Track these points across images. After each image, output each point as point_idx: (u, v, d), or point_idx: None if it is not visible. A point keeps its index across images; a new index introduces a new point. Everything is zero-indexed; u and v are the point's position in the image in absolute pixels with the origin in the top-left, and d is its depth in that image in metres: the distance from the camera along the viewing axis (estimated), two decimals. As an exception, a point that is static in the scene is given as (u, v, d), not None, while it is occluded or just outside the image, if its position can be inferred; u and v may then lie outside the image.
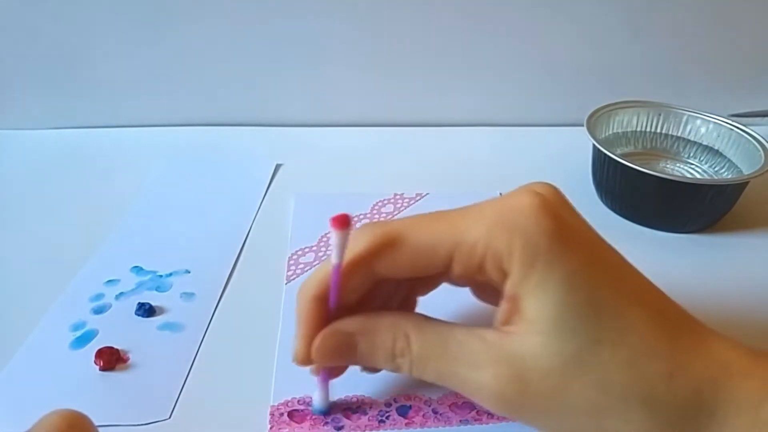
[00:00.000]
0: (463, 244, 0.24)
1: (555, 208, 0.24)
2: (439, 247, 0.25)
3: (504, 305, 0.24)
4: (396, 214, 0.45)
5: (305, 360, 0.27)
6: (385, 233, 0.25)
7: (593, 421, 0.22)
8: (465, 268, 0.25)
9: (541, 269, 0.23)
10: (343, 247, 0.25)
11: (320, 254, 0.41)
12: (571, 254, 0.23)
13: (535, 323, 0.23)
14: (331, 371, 0.29)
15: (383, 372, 0.32)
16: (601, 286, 0.23)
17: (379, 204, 0.46)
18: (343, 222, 0.24)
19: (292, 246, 0.41)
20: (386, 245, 0.25)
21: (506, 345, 0.23)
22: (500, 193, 0.47)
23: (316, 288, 0.26)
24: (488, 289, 0.27)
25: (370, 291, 0.27)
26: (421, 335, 0.25)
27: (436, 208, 0.44)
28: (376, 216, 0.45)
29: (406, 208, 0.46)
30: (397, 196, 0.47)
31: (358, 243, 0.25)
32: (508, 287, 0.24)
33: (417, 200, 0.47)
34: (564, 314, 0.22)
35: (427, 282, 0.29)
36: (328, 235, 0.42)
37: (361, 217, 0.44)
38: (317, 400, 0.29)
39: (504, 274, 0.24)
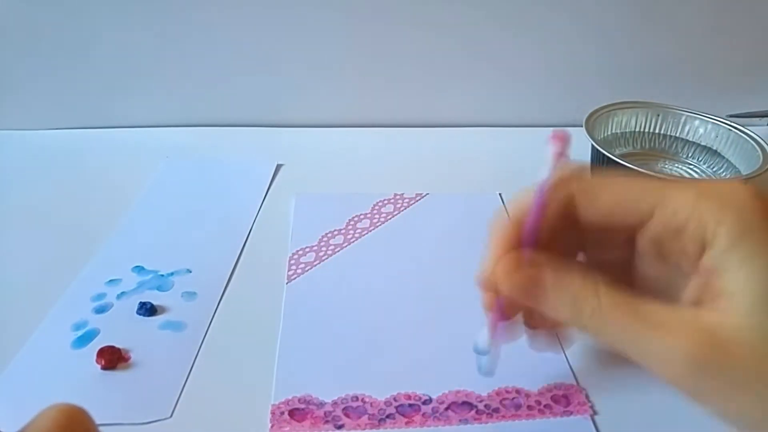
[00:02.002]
0: (670, 202, 0.24)
1: (765, 197, 0.24)
2: (644, 197, 0.24)
3: (695, 281, 0.24)
4: (396, 214, 0.45)
5: (491, 282, 0.26)
6: (590, 176, 0.25)
7: None
8: (663, 228, 0.24)
9: (751, 244, 0.22)
10: (557, 161, 0.24)
11: (321, 254, 0.41)
12: None
13: (737, 297, 0.22)
14: (503, 309, 0.27)
15: (383, 371, 0.32)
16: None
17: (380, 204, 0.46)
18: (562, 136, 0.24)
19: (293, 246, 0.41)
20: (592, 180, 0.25)
21: (705, 317, 0.22)
22: (500, 194, 0.48)
23: (514, 212, 0.26)
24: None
25: (555, 241, 0.26)
26: (611, 289, 0.24)
27: (437, 209, 0.46)
28: (377, 216, 0.45)
29: (406, 208, 0.46)
30: (397, 196, 0.47)
31: (565, 171, 0.26)
32: (708, 259, 0.23)
33: (417, 200, 0.47)
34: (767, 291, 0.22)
35: (608, 244, 0.27)
36: (328, 235, 0.42)
37: (361, 216, 0.45)
38: (481, 340, 0.27)
39: (702, 246, 0.23)
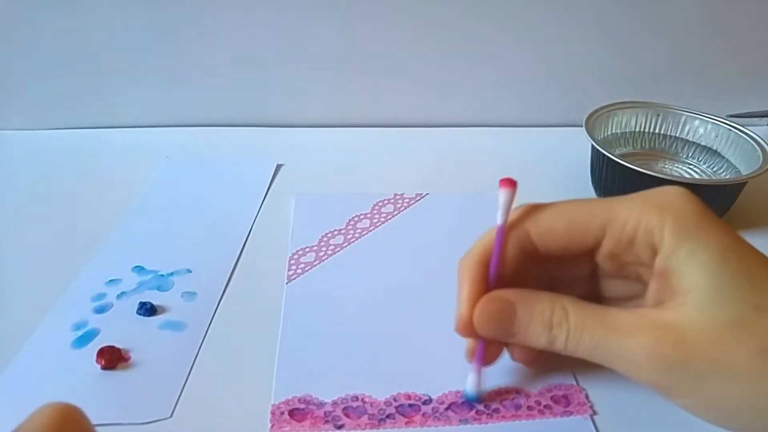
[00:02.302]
0: (617, 219, 0.26)
1: (697, 198, 0.26)
2: (594, 218, 0.26)
3: (653, 285, 0.26)
4: (396, 215, 0.45)
5: (468, 324, 0.27)
6: (542, 204, 0.28)
7: (755, 387, 0.23)
8: (616, 242, 0.26)
9: (693, 240, 0.24)
10: (508, 207, 0.27)
11: (321, 254, 0.41)
12: (718, 230, 0.25)
13: (689, 292, 0.24)
14: (486, 354, 0.29)
15: (383, 371, 0.32)
16: (750, 258, 0.24)
17: (380, 204, 0.46)
18: (510, 182, 0.27)
19: (292, 246, 0.41)
20: (543, 210, 0.28)
21: (663, 315, 0.24)
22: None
23: (479, 254, 0.28)
24: None
25: (520, 273, 0.28)
26: (578, 307, 0.26)
27: (437, 209, 0.46)
28: (377, 216, 0.45)
29: (406, 208, 0.46)
30: (397, 196, 0.47)
31: (517, 211, 0.28)
32: (659, 262, 0.25)
33: (417, 200, 0.47)
34: (719, 282, 0.23)
35: (570, 266, 0.30)
36: (328, 235, 0.42)
37: (361, 216, 0.45)
38: (470, 387, 0.29)
39: (653, 250, 0.25)
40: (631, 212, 0.26)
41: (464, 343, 0.29)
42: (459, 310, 0.28)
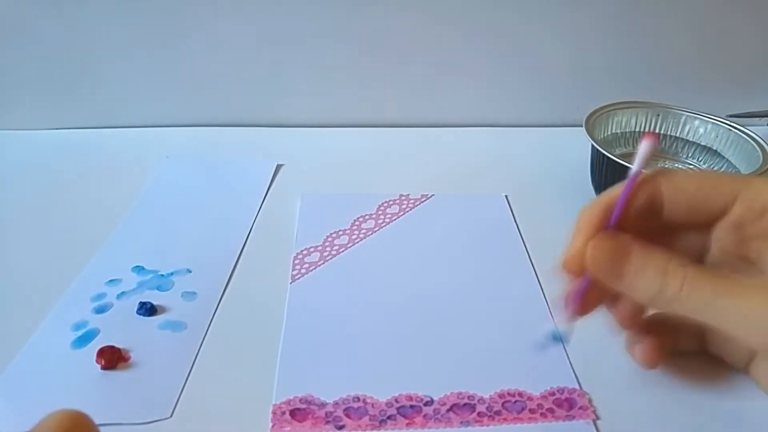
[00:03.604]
0: (752, 187, 0.26)
1: None
2: (728, 183, 0.27)
3: None
4: (401, 215, 0.45)
5: (576, 260, 0.27)
6: (677, 170, 0.28)
7: None
8: (747, 209, 0.26)
9: None
10: (646, 158, 0.27)
11: (325, 254, 0.41)
12: None
13: None
14: (583, 300, 0.28)
15: (385, 371, 0.32)
16: None
17: (385, 204, 0.46)
18: (654, 135, 0.27)
19: (297, 245, 0.41)
20: (678, 171, 0.28)
21: None
22: (506, 196, 0.48)
23: (604, 201, 0.27)
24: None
25: (637, 231, 0.27)
26: (696, 264, 0.25)
27: (442, 210, 0.46)
28: (382, 216, 0.45)
29: (411, 208, 0.46)
30: (403, 197, 0.47)
31: (653, 170, 0.28)
32: None
33: (423, 201, 0.47)
34: None
35: (685, 239, 0.29)
36: (333, 235, 0.42)
37: (367, 217, 0.45)
38: (560, 325, 0.29)
39: None
40: (766, 185, 0.26)
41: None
42: (571, 244, 0.27)
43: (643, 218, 0.28)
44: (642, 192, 0.27)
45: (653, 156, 0.28)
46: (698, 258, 0.29)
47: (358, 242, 0.42)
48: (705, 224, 0.28)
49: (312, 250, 0.41)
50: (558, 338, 0.30)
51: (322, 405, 0.30)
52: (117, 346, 0.33)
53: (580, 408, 0.30)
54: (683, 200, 0.27)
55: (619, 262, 0.26)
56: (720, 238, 0.28)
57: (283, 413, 0.29)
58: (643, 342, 0.30)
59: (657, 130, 0.51)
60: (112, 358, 0.32)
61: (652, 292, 0.26)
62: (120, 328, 0.34)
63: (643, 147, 0.27)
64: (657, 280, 0.25)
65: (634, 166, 0.27)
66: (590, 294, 0.28)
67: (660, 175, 0.28)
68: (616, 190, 0.28)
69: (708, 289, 0.24)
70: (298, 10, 0.53)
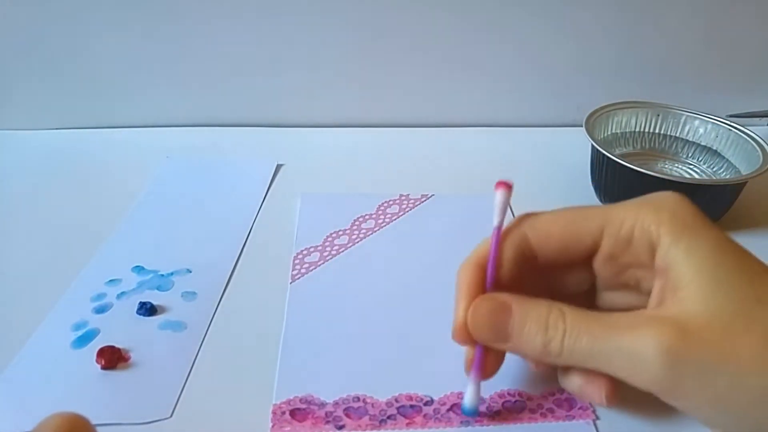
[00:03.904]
0: (614, 219, 0.26)
1: (690, 202, 0.27)
2: (591, 220, 0.27)
3: (656, 285, 0.25)
4: (401, 215, 0.45)
5: (463, 329, 0.27)
6: (540, 211, 0.28)
7: (762, 377, 0.22)
8: (614, 242, 0.26)
9: (689, 236, 0.24)
10: (504, 208, 0.27)
11: (325, 254, 0.41)
12: (713, 229, 0.25)
13: (690, 285, 0.24)
14: (485, 365, 0.28)
15: (385, 371, 0.32)
16: (744, 255, 0.25)
17: (385, 204, 0.46)
18: (505, 184, 0.27)
19: (297, 245, 0.41)
20: (541, 215, 0.28)
21: (665, 311, 0.24)
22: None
23: (476, 259, 0.28)
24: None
25: (518, 282, 0.28)
26: (575, 310, 0.25)
27: (442, 210, 0.46)
28: (382, 216, 0.45)
29: (411, 208, 0.46)
30: (403, 197, 0.47)
31: (516, 218, 0.28)
32: (658, 259, 0.25)
33: (423, 201, 0.47)
34: (719, 275, 0.23)
35: (568, 276, 0.29)
36: (333, 235, 0.42)
37: (367, 217, 0.45)
38: (468, 400, 0.28)
39: (651, 248, 0.25)
40: (627, 212, 0.26)
41: (464, 348, 0.29)
42: (455, 314, 0.27)
43: (521, 267, 0.28)
44: (510, 246, 0.27)
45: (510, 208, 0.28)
46: (590, 290, 0.29)
47: (358, 242, 0.42)
48: (582, 260, 0.28)
49: (312, 249, 0.41)
50: (468, 412, 0.29)
51: (322, 405, 0.30)
52: (117, 346, 0.33)
53: (580, 408, 0.30)
54: (552, 244, 0.27)
55: (501, 323, 0.26)
56: (599, 270, 0.28)
57: (283, 413, 0.29)
58: (593, 382, 0.26)
59: (657, 130, 0.51)
60: (112, 358, 0.32)
61: (539, 350, 0.25)
62: (120, 328, 0.34)
63: (498, 197, 0.27)
64: (540, 336, 0.25)
65: (494, 220, 0.27)
66: (490, 356, 0.28)
67: (524, 222, 0.28)
68: (485, 246, 0.28)
69: (587, 336, 0.24)
70: (298, 10, 0.53)
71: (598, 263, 0.27)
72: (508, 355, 0.30)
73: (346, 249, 0.41)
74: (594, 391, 0.26)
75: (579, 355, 0.24)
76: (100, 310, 0.36)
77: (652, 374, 0.23)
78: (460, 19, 0.54)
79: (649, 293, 0.26)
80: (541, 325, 0.25)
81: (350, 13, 0.53)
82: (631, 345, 0.23)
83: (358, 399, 0.30)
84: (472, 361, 0.28)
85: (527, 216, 0.28)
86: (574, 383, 0.27)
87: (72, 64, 0.54)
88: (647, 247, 0.25)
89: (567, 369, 0.27)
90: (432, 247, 0.42)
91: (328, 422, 0.29)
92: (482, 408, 0.30)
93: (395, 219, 0.45)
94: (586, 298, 0.29)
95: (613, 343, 0.24)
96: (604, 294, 0.29)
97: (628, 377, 0.24)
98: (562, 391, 0.31)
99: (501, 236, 0.27)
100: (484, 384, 0.31)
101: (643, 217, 0.25)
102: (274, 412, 0.29)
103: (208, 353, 0.33)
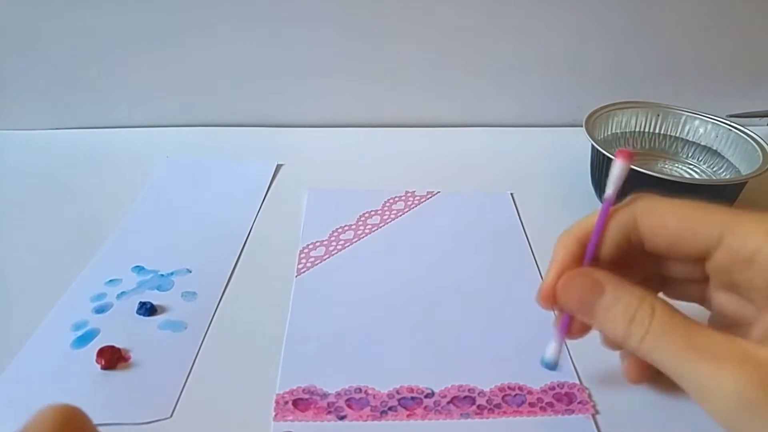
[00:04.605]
0: (739, 231, 0.23)
1: None
2: (713, 224, 0.24)
3: (766, 318, 0.23)
4: (407, 212, 0.45)
5: (549, 294, 0.26)
6: (657, 197, 0.25)
7: None
8: (731, 258, 0.23)
9: None
10: (620, 180, 0.25)
11: (330, 248, 0.41)
12: None
13: None
14: (572, 327, 0.27)
15: (387, 364, 0.32)
16: None
17: (391, 201, 0.46)
18: (627, 155, 0.25)
19: (303, 240, 0.42)
20: (658, 201, 0.25)
21: (763, 352, 0.21)
22: (511, 194, 0.48)
23: (579, 230, 0.26)
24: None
25: (621, 263, 0.26)
26: (668, 312, 0.23)
27: (447, 207, 0.46)
28: (387, 212, 0.45)
29: (417, 205, 0.46)
30: (409, 194, 0.47)
31: (629, 198, 0.26)
32: None
33: (428, 198, 0.47)
34: None
35: (678, 266, 0.27)
36: (338, 230, 0.43)
37: (372, 213, 0.45)
38: (549, 353, 0.28)
39: None
40: (755, 230, 0.23)
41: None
42: (545, 278, 0.26)
43: (625, 250, 0.26)
44: (616, 226, 0.26)
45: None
46: (702, 281, 0.27)
47: (363, 237, 0.42)
48: (692, 261, 0.25)
49: (318, 244, 0.41)
50: (546, 364, 0.29)
51: (325, 395, 0.30)
52: (117, 346, 0.33)
53: (580, 402, 0.30)
54: (663, 237, 0.25)
55: (590, 301, 0.24)
56: (711, 272, 0.25)
57: (286, 403, 0.30)
58: (629, 358, 0.27)
59: (657, 130, 0.51)
60: (112, 358, 0.32)
61: (618, 337, 0.24)
62: (120, 328, 0.34)
63: (616, 169, 0.25)
64: (622, 327, 0.24)
65: (607, 190, 0.25)
66: (576, 321, 0.27)
67: (637, 205, 0.26)
68: (590, 219, 0.26)
69: (667, 347, 0.22)
70: (299, 10, 0.53)
71: (711, 267, 0.25)
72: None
73: (351, 244, 0.42)
74: (627, 371, 0.26)
75: (655, 360, 0.23)
76: (100, 310, 0.36)
77: (722, 411, 0.21)
78: (461, 20, 0.54)
79: (762, 309, 0.23)
80: (627, 316, 0.23)
81: (353, 13, 0.53)
82: (709, 375, 0.21)
83: (360, 390, 0.31)
84: (561, 318, 0.27)
85: (642, 198, 0.26)
86: (621, 355, 0.27)
87: (72, 64, 0.54)
88: (766, 278, 0.22)
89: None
90: (436, 243, 0.42)
91: (329, 412, 0.29)
92: (482, 401, 0.30)
93: (401, 215, 0.45)
94: (700, 287, 0.27)
95: (690, 365, 0.22)
96: (715, 292, 0.26)
97: (697, 400, 0.22)
98: (562, 385, 0.31)
99: (610, 214, 0.25)
100: (484, 376, 0.31)
101: None
102: (277, 402, 0.30)
103: (208, 353, 0.33)
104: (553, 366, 0.28)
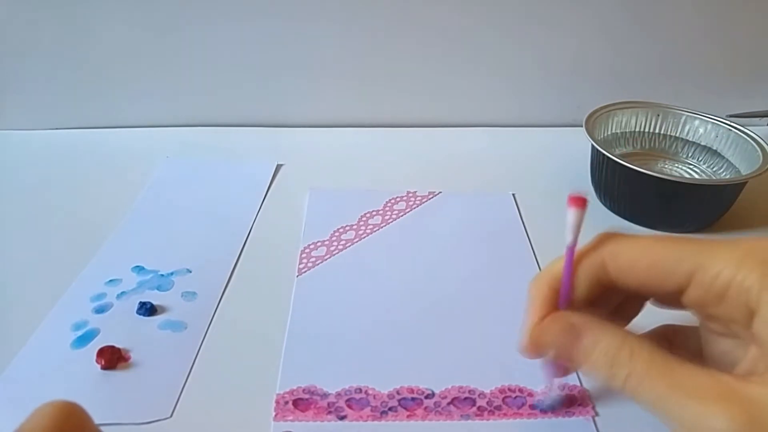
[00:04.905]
0: (708, 267, 0.22)
1: None
2: (681, 262, 0.23)
3: (750, 351, 0.22)
4: (408, 212, 0.45)
5: (532, 345, 0.26)
6: (622, 235, 0.25)
7: None
8: (703, 293, 0.23)
9: None
10: (578, 227, 0.24)
11: (332, 248, 0.41)
12: None
13: None
14: (557, 368, 0.27)
15: (388, 364, 0.32)
16: None
17: (392, 201, 0.46)
18: (579, 201, 0.24)
19: (304, 240, 0.42)
20: (624, 243, 0.25)
21: (747, 388, 0.21)
22: (513, 194, 0.48)
23: (549, 277, 0.26)
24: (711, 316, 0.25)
25: (596, 299, 0.26)
26: (648, 353, 0.23)
27: (449, 207, 0.46)
28: (389, 213, 0.45)
29: (418, 205, 0.46)
30: (410, 194, 0.47)
31: (595, 239, 0.26)
32: (757, 328, 0.22)
33: (430, 198, 0.47)
34: None
35: (638, 303, 0.28)
36: (340, 230, 0.43)
37: (374, 213, 0.45)
38: (542, 397, 0.29)
39: (749, 312, 0.22)
40: (726, 263, 0.22)
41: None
42: (526, 329, 0.26)
43: (596, 290, 0.26)
44: (585, 272, 0.25)
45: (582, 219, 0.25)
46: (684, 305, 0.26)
47: (364, 237, 0.42)
48: (668, 295, 0.25)
49: (319, 244, 0.41)
50: (547, 409, 0.30)
51: (325, 395, 0.30)
52: (117, 346, 0.33)
53: (580, 405, 0.30)
54: (633, 279, 0.25)
55: (569, 346, 0.24)
56: (689, 306, 0.25)
57: (287, 402, 0.30)
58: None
59: (657, 130, 0.51)
60: (112, 358, 0.32)
61: (603, 379, 0.24)
62: (120, 328, 0.34)
63: (571, 216, 0.25)
64: (605, 369, 0.23)
65: (567, 238, 0.25)
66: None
67: (604, 248, 0.25)
68: (558, 264, 0.26)
69: (652, 388, 0.22)
70: (299, 11, 0.53)
71: (686, 302, 0.24)
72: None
73: (352, 244, 0.42)
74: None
75: (640, 401, 0.23)
76: (100, 310, 0.36)
77: None
78: (462, 21, 0.54)
79: (746, 340, 0.23)
80: (607, 359, 0.23)
81: (354, 13, 0.53)
82: (693, 414, 0.21)
83: (360, 390, 0.31)
84: (547, 363, 0.27)
85: (608, 238, 0.26)
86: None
87: (72, 64, 0.54)
88: (743, 309, 0.22)
89: None
90: (438, 243, 0.42)
91: (330, 412, 0.29)
92: (482, 402, 0.30)
93: (402, 215, 0.45)
94: (682, 306, 0.26)
95: (675, 405, 0.21)
96: (699, 321, 0.26)
97: None
98: (562, 387, 0.31)
99: (577, 257, 0.25)
100: (484, 377, 0.31)
101: (745, 274, 0.22)
102: (277, 402, 0.30)
103: (208, 353, 0.33)
104: (551, 408, 0.29)
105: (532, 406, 0.30)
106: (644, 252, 0.25)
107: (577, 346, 0.24)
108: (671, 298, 0.25)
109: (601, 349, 0.23)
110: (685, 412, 0.21)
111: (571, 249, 0.25)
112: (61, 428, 0.19)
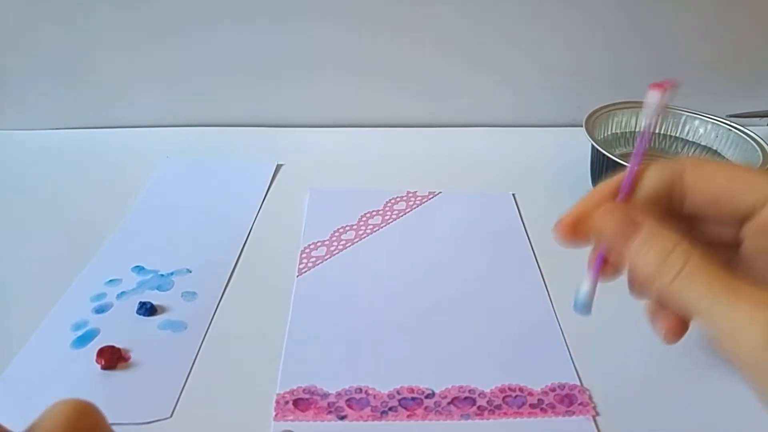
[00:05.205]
0: None
1: None
2: (759, 182, 0.24)
3: None
4: (408, 212, 0.45)
5: (571, 224, 0.25)
6: (705, 159, 0.25)
7: None
8: None
9: None
10: (654, 112, 0.24)
11: (332, 248, 0.41)
12: None
13: None
14: (605, 267, 0.26)
15: (388, 364, 0.32)
16: None
17: (392, 201, 0.46)
18: (661, 85, 0.24)
19: (305, 240, 0.42)
20: (706, 163, 0.25)
21: None
22: (513, 194, 0.48)
23: (613, 183, 0.26)
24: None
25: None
26: (703, 257, 0.22)
27: (449, 207, 0.46)
28: (389, 213, 0.45)
29: (418, 205, 0.46)
30: (410, 194, 0.47)
31: (678, 159, 0.25)
32: None
33: (430, 198, 0.47)
34: None
35: (710, 224, 0.27)
36: (340, 230, 0.43)
37: (374, 213, 0.45)
38: (582, 294, 0.27)
39: None
40: None
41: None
42: (572, 209, 0.26)
43: (662, 203, 0.25)
44: (661, 178, 0.25)
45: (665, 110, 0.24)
46: (732, 246, 0.26)
47: (364, 237, 0.42)
48: (732, 221, 0.25)
49: (319, 244, 0.41)
50: (578, 306, 0.27)
51: (325, 395, 0.30)
52: (117, 346, 0.32)
53: (581, 404, 0.30)
54: (709, 193, 0.25)
55: (625, 236, 0.24)
56: (748, 237, 0.25)
57: (287, 402, 0.30)
58: (666, 313, 0.26)
59: (657, 130, 0.51)
60: (112, 358, 0.32)
61: (648, 275, 0.23)
62: (120, 328, 0.34)
63: (650, 98, 0.24)
64: (654, 265, 0.23)
65: (644, 121, 0.24)
66: (609, 263, 0.26)
67: (687, 162, 0.25)
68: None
69: (701, 289, 0.22)
70: (299, 11, 0.53)
71: (749, 230, 0.25)
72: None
73: (352, 244, 0.42)
74: (659, 325, 0.26)
75: (684, 297, 0.23)
76: (100, 310, 0.36)
77: (746, 351, 0.21)
78: (462, 21, 0.54)
79: None
80: (661, 255, 0.23)
81: (353, 16, 0.53)
82: (737, 314, 0.21)
83: (361, 390, 0.31)
84: (595, 257, 0.26)
85: (692, 158, 0.26)
86: (648, 307, 0.26)
87: (72, 64, 0.54)
88: None
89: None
90: (438, 243, 0.42)
91: (330, 412, 0.29)
92: (482, 402, 0.30)
93: (402, 215, 0.45)
94: (724, 252, 0.26)
95: (720, 305, 0.21)
96: (746, 256, 0.26)
97: (721, 341, 0.22)
98: (562, 386, 0.31)
99: (647, 139, 0.25)
100: (485, 377, 0.31)
101: None
102: (277, 402, 0.30)
103: (208, 353, 0.33)
104: (586, 307, 0.27)
105: (572, 306, 0.27)
106: (726, 169, 0.25)
107: (635, 236, 0.24)
108: (727, 228, 0.25)
109: (657, 244, 0.23)
110: (726, 314, 0.21)
111: (644, 134, 0.24)
112: (75, 426, 0.19)
